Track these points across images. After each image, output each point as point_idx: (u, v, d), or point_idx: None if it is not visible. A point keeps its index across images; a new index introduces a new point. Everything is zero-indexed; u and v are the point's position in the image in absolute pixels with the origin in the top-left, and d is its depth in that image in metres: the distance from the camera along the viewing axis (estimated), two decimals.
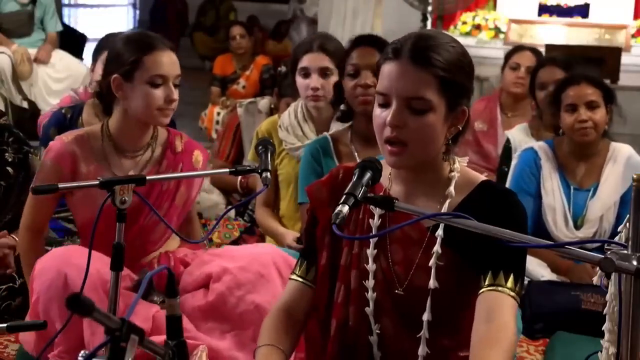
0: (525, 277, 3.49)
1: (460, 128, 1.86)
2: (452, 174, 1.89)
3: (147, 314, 2.52)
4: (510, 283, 1.78)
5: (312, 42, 3.46)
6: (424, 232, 1.87)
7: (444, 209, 1.86)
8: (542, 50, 7.92)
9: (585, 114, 3.54)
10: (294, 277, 2.01)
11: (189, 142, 2.83)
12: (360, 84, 3.03)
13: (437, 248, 1.84)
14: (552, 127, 3.82)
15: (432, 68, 1.78)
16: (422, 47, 1.80)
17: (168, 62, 2.60)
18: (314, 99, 3.39)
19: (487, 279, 1.79)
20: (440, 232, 1.84)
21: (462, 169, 1.91)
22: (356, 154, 3.08)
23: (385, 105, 1.82)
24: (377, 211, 1.92)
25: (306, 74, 3.40)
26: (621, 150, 3.69)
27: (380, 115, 1.83)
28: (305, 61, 3.39)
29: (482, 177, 1.92)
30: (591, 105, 3.54)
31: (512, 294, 1.77)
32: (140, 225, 2.70)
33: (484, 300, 1.78)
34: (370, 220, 1.92)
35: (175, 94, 2.62)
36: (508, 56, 5.04)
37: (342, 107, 3.14)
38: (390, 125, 1.79)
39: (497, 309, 1.75)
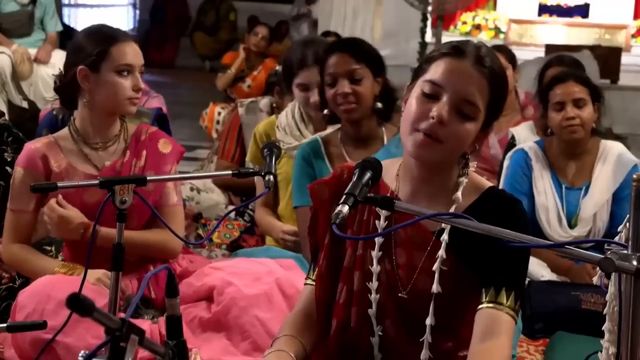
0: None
1: (477, 147, 1.89)
2: (461, 179, 1.89)
3: None
4: (510, 301, 1.78)
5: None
6: (429, 237, 1.87)
7: None
8: (543, 50, 7.92)
9: (573, 112, 3.54)
10: (308, 282, 2.01)
11: (156, 132, 2.85)
12: (338, 92, 3.02)
13: (441, 253, 1.83)
14: (542, 127, 3.82)
15: (492, 80, 1.81)
16: (486, 55, 1.82)
17: (132, 52, 2.68)
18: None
19: (489, 295, 1.78)
20: (445, 236, 1.84)
21: (470, 175, 1.91)
22: (347, 155, 3.09)
23: (431, 95, 1.81)
24: (383, 212, 1.91)
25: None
26: (612, 148, 3.68)
27: (423, 104, 1.81)
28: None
29: (489, 184, 1.92)
30: (578, 104, 3.55)
31: (511, 312, 1.78)
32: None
33: (483, 318, 1.78)
34: (376, 222, 1.92)
35: (141, 83, 2.71)
36: None
37: (325, 111, 3.13)
38: (437, 119, 1.77)
39: (496, 329, 1.76)
